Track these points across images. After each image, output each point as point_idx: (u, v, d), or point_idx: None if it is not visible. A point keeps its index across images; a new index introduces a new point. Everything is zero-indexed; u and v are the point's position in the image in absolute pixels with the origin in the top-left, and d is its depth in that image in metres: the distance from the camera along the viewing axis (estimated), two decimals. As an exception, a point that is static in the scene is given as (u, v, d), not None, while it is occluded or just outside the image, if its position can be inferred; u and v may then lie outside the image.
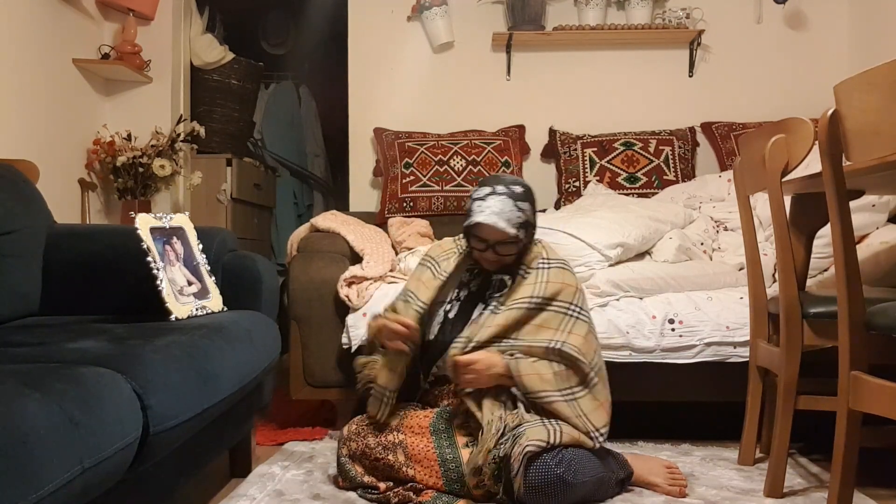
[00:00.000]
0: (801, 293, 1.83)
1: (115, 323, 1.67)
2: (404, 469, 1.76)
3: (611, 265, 2.41)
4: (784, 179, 1.80)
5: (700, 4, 3.37)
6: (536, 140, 3.40)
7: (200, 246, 1.92)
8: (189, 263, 1.86)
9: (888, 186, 1.83)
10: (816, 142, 1.59)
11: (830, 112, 1.51)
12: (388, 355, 1.84)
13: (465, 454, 1.74)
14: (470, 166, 3.17)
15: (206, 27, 3.96)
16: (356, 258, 2.50)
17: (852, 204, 1.56)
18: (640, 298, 2.32)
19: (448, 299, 1.92)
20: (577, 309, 1.83)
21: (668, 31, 3.34)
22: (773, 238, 1.97)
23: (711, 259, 2.63)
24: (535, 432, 1.64)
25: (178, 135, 3.28)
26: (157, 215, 1.83)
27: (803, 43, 3.42)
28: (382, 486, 1.77)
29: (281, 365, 2.18)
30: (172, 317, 1.70)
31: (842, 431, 1.52)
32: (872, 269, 2.24)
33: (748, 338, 2.13)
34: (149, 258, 1.72)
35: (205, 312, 1.81)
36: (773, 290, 2.12)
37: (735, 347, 2.24)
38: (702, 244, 2.64)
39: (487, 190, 1.80)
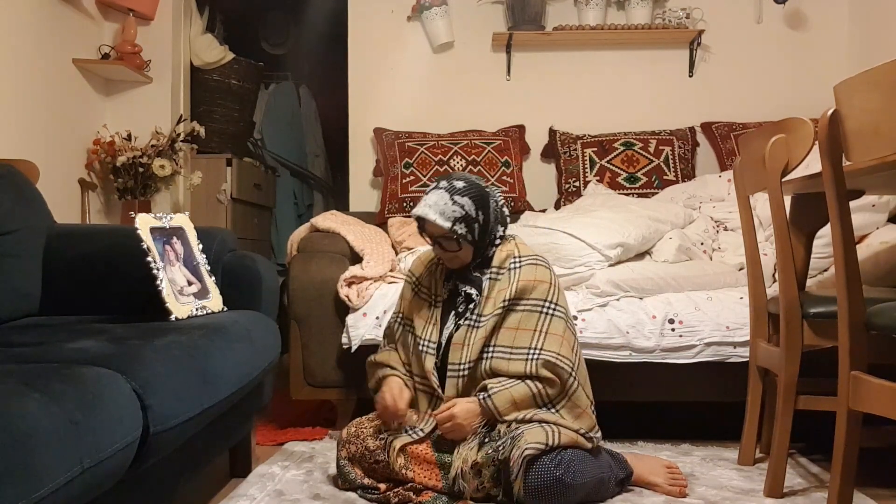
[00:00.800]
0: (801, 293, 1.83)
1: (115, 323, 1.67)
2: (404, 471, 1.76)
3: (611, 265, 2.41)
4: (784, 179, 1.80)
5: (700, 4, 3.37)
6: (536, 140, 3.40)
7: (200, 246, 1.92)
8: (189, 263, 1.86)
9: (888, 186, 1.83)
10: (816, 142, 1.59)
11: (830, 112, 1.51)
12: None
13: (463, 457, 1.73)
14: (470, 166, 3.17)
15: (206, 27, 3.96)
16: (356, 258, 2.50)
17: (852, 204, 1.56)
18: (640, 298, 2.32)
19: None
20: (553, 305, 1.79)
21: (668, 31, 3.34)
22: (773, 238, 1.97)
23: (711, 259, 2.63)
24: (534, 435, 1.64)
25: (178, 135, 3.28)
26: (157, 215, 1.83)
27: (803, 43, 3.42)
28: (382, 486, 1.77)
29: (281, 365, 2.19)
30: (172, 317, 1.70)
31: (842, 431, 1.52)
32: (872, 269, 2.24)
33: (748, 338, 2.13)
34: (149, 258, 1.72)
35: (205, 312, 1.81)
36: (773, 290, 2.12)
37: (735, 347, 2.24)
38: (702, 244, 2.64)
39: (432, 185, 1.82)
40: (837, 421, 1.54)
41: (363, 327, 2.31)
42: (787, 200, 1.95)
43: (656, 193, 3.09)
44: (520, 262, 1.82)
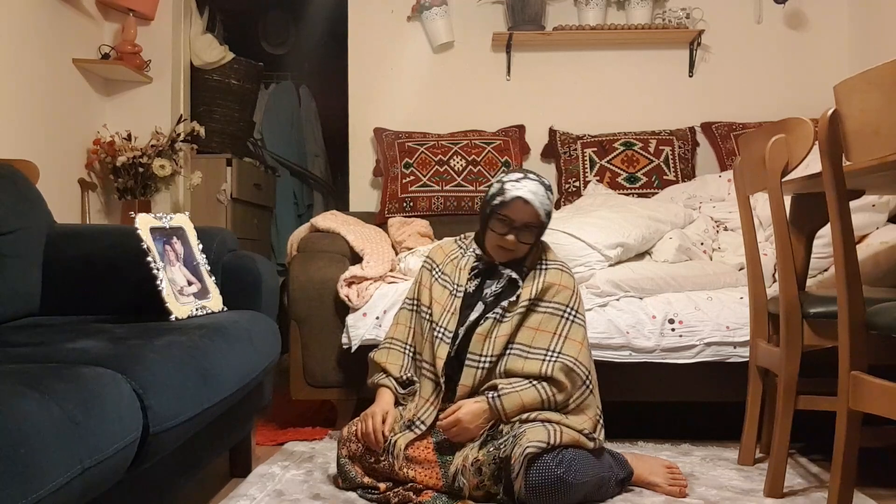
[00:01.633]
0: (801, 293, 1.83)
1: (115, 323, 1.67)
2: (404, 470, 1.76)
3: (611, 265, 2.41)
4: (784, 179, 1.80)
5: (700, 4, 3.37)
6: (536, 140, 3.40)
7: (200, 246, 1.92)
8: (189, 263, 1.86)
9: (888, 186, 1.83)
10: (816, 142, 1.59)
11: (830, 112, 1.51)
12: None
13: (464, 455, 1.74)
14: (470, 166, 3.17)
15: (206, 27, 3.96)
16: (356, 258, 2.50)
17: (852, 204, 1.56)
18: (640, 298, 2.32)
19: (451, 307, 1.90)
20: (574, 312, 1.83)
21: (668, 31, 3.34)
22: (773, 238, 1.97)
23: (711, 259, 2.63)
24: (535, 433, 1.64)
25: (178, 135, 3.28)
26: (157, 215, 1.83)
27: (803, 43, 3.42)
28: (382, 485, 1.77)
29: (281, 365, 2.19)
30: (172, 317, 1.70)
31: (842, 431, 1.52)
32: (872, 269, 2.24)
33: (748, 338, 2.13)
34: (149, 258, 1.72)
35: (205, 312, 1.81)
36: (773, 290, 2.12)
37: (735, 347, 2.23)
38: (702, 244, 2.64)
39: (520, 174, 1.83)
40: (837, 421, 1.54)
41: (363, 327, 2.31)
42: (787, 200, 1.95)
43: (656, 193, 3.09)
44: (546, 265, 1.87)
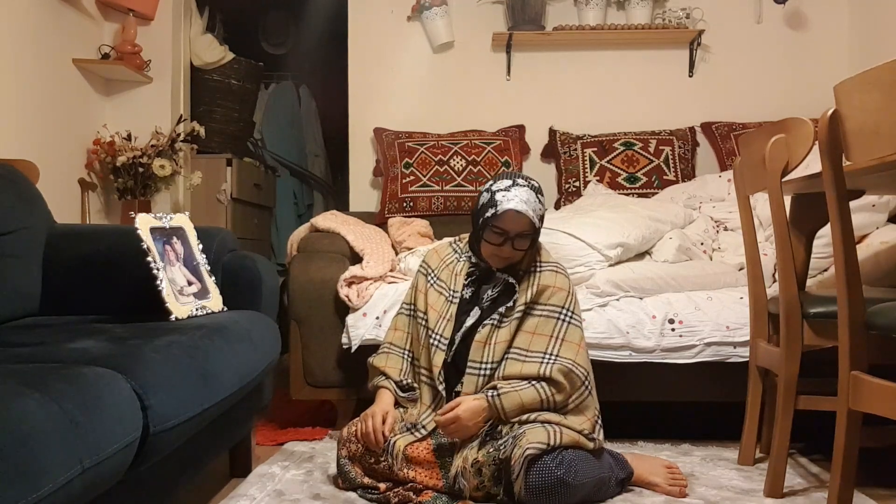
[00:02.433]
0: (801, 293, 1.83)
1: (115, 323, 1.67)
2: (404, 470, 1.76)
3: (611, 265, 2.40)
4: (784, 179, 1.80)
5: (700, 4, 3.37)
6: (536, 140, 3.40)
7: (200, 246, 1.92)
8: (189, 263, 1.86)
9: (888, 186, 1.83)
10: (816, 142, 1.59)
11: (830, 112, 1.51)
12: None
13: (464, 456, 1.73)
14: (470, 166, 3.17)
15: (206, 27, 3.96)
16: (356, 258, 2.50)
17: (852, 204, 1.56)
18: (640, 298, 2.32)
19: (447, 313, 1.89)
20: (570, 313, 1.82)
21: (668, 31, 3.34)
22: (773, 238, 1.97)
23: (711, 259, 2.63)
24: (535, 434, 1.64)
25: (178, 135, 3.28)
26: (157, 215, 1.82)
27: (803, 43, 3.42)
28: (382, 486, 1.77)
29: (281, 365, 2.19)
30: (172, 317, 1.70)
31: (842, 431, 1.52)
32: (872, 269, 2.24)
33: (748, 338, 2.13)
34: (149, 258, 1.72)
35: (205, 312, 1.80)
36: (773, 290, 2.12)
37: (735, 347, 2.23)
38: (702, 244, 2.64)
39: (508, 182, 1.81)
40: (837, 421, 1.54)
41: (363, 327, 2.31)
42: (787, 200, 1.95)
43: (656, 193, 3.09)
44: (541, 267, 1.86)
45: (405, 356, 1.93)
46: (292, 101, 4.94)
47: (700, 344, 2.24)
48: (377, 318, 2.31)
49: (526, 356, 1.78)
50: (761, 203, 2.53)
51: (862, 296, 1.51)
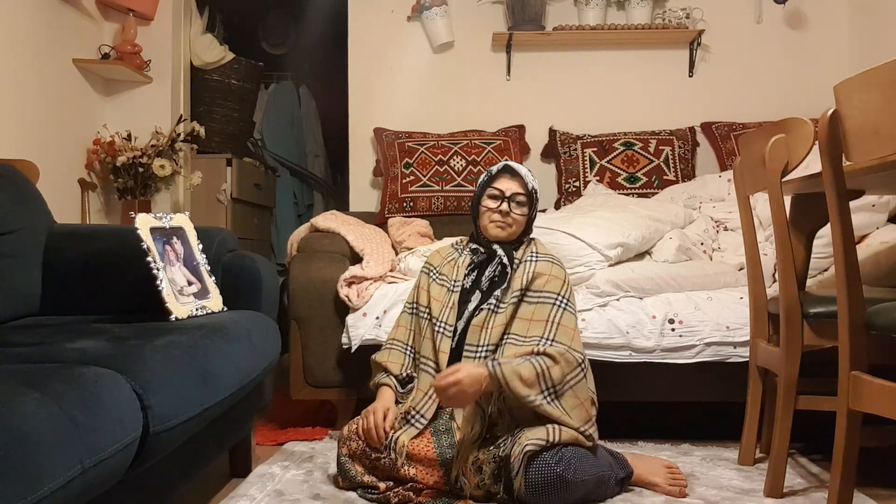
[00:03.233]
0: (801, 293, 1.83)
1: (115, 323, 1.67)
2: (405, 468, 1.76)
3: (611, 265, 2.40)
4: (784, 179, 1.80)
5: (700, 4, 3.37)
6: (536, 140, 3.40)
7: (200, 246, 1.92)
8: (189, 263, 1.86)
9: (888, 186, 1.83)
10: (816, 142, 1.59)
11: (830, 112, 1.51)
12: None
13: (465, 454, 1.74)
14: (470, 166, 3.17)
15: (206, 27, 3.97)
16: (356, 258, 2.50)
17: (852, 204, 1.56)
18: (640, 298, 2.32)
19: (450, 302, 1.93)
20: (565, 301, 1.84)
21: (668, 31, 3.34)
22: (773, 238, 1.97)
23: (711, 259, 2.63)
24: (535, 432, 1.64)
25: (178, 135, 3.28)
26: (157, 215, 1.83)
27: (803, 43, 3.42)
28: (382, 485, 1.77)
29: (281, 365, 2.18)
30: (172, 317, 1.70)
31: (842, 431, 1.52)
32: (872, 269, 2.24)
33: (748, 338, 2.13)
34: (149, 258, 1.72)
35: (205, 312, 1.81)
36: (773, 290, 2.12)
37: (735, 347, 2.23)
38: (702, 244, 2.64)
39: (503, 161, 2.01)
40: (837, 421, 1.54)
41: (363, 327, 2.31)
42: (787, 200, 1.95)
43: (656, 193, 3.09)
44: (537, 256, 1.91)
45: (407, 352, 1.96)
46: (292, 101, 4.94)
47: (700, 344, 2.24)
48: (377, 318, 2.31)
49: (524, 342, 1.80)
50: (761, 203, 2.53)
51: (862, 296, 1.51)
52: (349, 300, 2.33)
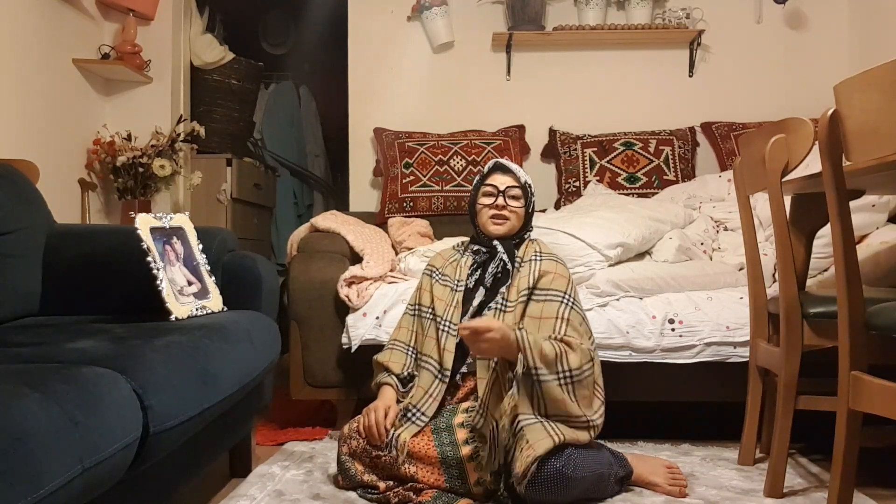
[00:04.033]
0: (801, 293, 1.83)
1: (115, 323, 1.67)
2: (405, 466, 1.76)
3: (611, 265, 2.41)
4: (784, 179, 1.80)
5: (700, 4, 3.37)
6: (536, 140, 3.40)
7: (200, 246, 1.92)
8: (189, 263, 1.86)
9: (888, 186, 1.83)
10: (816, 142, 1.59)
11: (830, 112, 1.51)
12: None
13: (465, 451, 1.74)
14: (470, 166, 3.17)
15: (206, 27, 3.96)
16: (356, 258, 2.50)
17: (852, 204, 1.56)
18: (640, 298, 2.32)
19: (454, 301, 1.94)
20: (571, 299, 1.87)
21: (668, 31, 3.34)
22: (773, 238, 1.97)
23: (711, 259, 2.63)
24: (541, 445, 1.62)
25: (178, 135, 3.28)
26: (157, 215, 1.83)
27: (803, 43, 3.42)
28: (382, 485, 1.77)
29: (281, 365, 2.19)
30: (172, 317, 1.70)
31: (842, 431, 1.52)
32: (872, 269, 2.24)
33: (748, 338, 2.13)
34: (149, 258, 1.72)
35: (205, 312, 1.81)
36: (773, 290, 2.12)
37: (735, 347, 2.23)
38: (702, 244, 2.64)
39: (494, 160, 2.03)
40: (837, 421, 1.54)
41: (363, 327, 2.31)
42: (787, 200, 1.95)
43: (656, 193, 3.09)
44: (541, 256, 1.93)
45: (409, 352, 1.97)
46: (292, 101, 4.94)
47: (700, 344, 2.24)
48: (377, 318, 2.31)
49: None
50: (761, 203, 2.53)
51: (862, 296, 1.51)
52: (349, 300, 2.33)
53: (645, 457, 1.93)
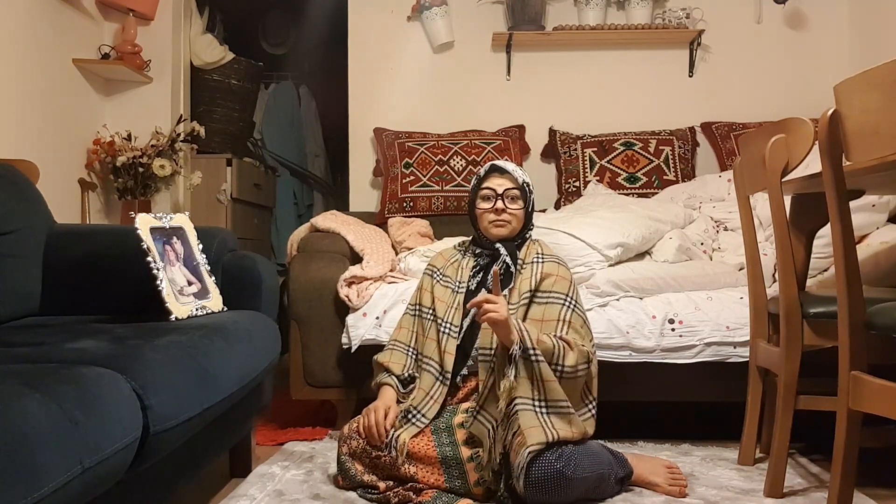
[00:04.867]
0: (801, 293, 1.83)
1: (115, 323, 1.66)
2: (405, 466, 1.76)
3: (611, 265, 2.40)
4: (784, 179, 1.80)
5: (700, 4, 3.37)
6: (536, 140, 3.40)
7: (200, 246, 1.92)
8: (189, 263, 1.86)
9: (888, 186, 1.83)
10: (816, 142, 1.59)
11: (830, 112, 1.51)
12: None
13: (465, 452, 1.74)
14: (470, 166, 3.17)
15: (206, 27, 3.96)
16: (356, 258, 2.50)
17: (852, 204, 1.56)
18: (640, 298, 2.32)
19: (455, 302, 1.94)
20: (573, 301, 1.88)
21: (668, 31, 3.34)
22: (773, 238, 1.97)
23: (711, 259, 2.63)
24: (533, 435, 1.62)
25: (178, 135, 3.28)
26: (157, 215, 1.83)
27: (803, 43, 3.42)
28: (382, 485, 1.77)
29: (281, 365, 2.19)
30: (172, 317, 1.70)
31: (842, 431, 1.52)
32: (872, 269, 2.24)
33: (748, 338, 2.13)
34: (149, 258, 1.72)
35: (205, 312, 1.80)
36: (773, 290, 2.12)
37: (735, 347, 2.23)
38: (702, 244, 2.64)
39: (490, 162, 2.01)
40: (837, 421, 1.54)
41: (363, 327, 2.31)
42: (787, 200, 1.95)
43: (656, 193, 3.09)
44: (543, 258, 1.93)
45: (409, 353, 1.97)
46: (292, 101, 4.94)
47: (700, 344, 2.24)
48: (377, 318, 2.31)
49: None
50: (761, 203, 2.53)
51: (862, 296, 1.51)
52: (349, 300, 2.33)
53: (645, 457, 1.93)
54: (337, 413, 2.49)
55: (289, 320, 2.47)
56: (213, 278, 1.92)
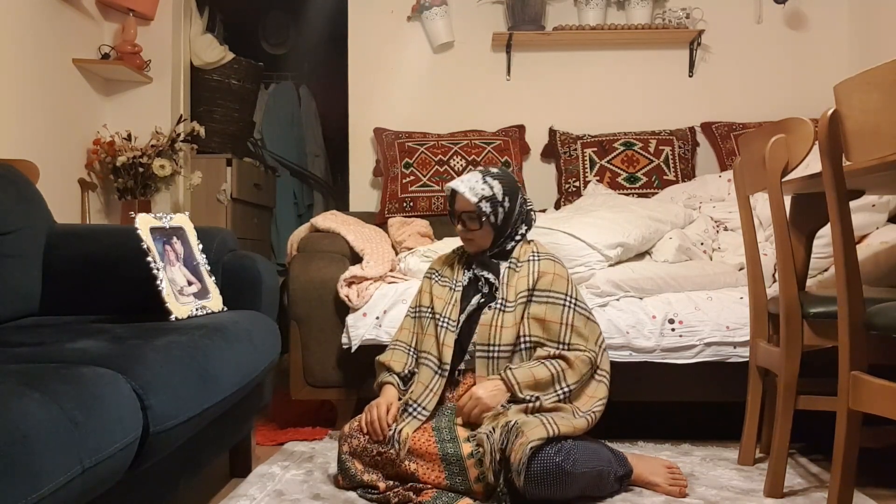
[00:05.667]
0: (801, 293, 1.83)
1: (115, 323, 1.67)
2: (406, 463, 1.77)
3: (611, 265, 2.40)
4: (784, 179, 1.80)
5: (700, 4, 3.37)
6: (536, 140, 3.40)
7: (200, 246, 1.92)
8: (189, 263, 1.86)
9: (888, 186, 1.83)
10: (816, 142, 1.59)
11: (830, 112, 1.51)
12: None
13: (466, 449, 1.74)
14: (470, 166, 3.16)
15: (206, 27, 3.96)
16: (356, 258, 2.50)
17: (852, 204, 1.56)
18: (640, 298, 2.32)
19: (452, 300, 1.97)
20: (573, 300, 1.89)
21: (668, 31, 3.34)
22: (773, 238, 1.97)
23: (711, 259, 2.63)
24: (535, 432, 1.64)
25: (178, 135, 3.28)
26: (157, 215, 1.83)
27: (803, 43, 3.42)
28: (382, 485, 1.77)
29: (281, 365, 2.19)
30: (172, 317, 1.70)
31: (842, 431, 1.52)
32: (872, 269, 2.24)
33: (748, 338, 2.13)
34: (149, 258, 1.72)
35: (205, 312, 1.81)
36: (773, 290, 2.12)
37: (735, 347, 2.23)
38: (702, 244, 2.64)
39: (467, 173, 1.98)
40: (837, 421, 1.54)
41: (363, 327, 2.31)
42: (787, 200, 1.95)
43: (656, 193, 3.09)
44: (539, 256, 1.95)
45: (410, 352, 1.99)
46: (292, 101, 4.94)
47: (700, 344, 2.24)
48: (377, 318, 2.31)
49: (546, 343, 1.86)
50: (761, 203, 2.53)
51: (862, 296, 1.51)
52: (349, 300, 2.33)
53: (645, 457, 1.93)
54: (337, 413, 2.49)
55: (289, 320, 2.47)
56: (213, 278, 1.92)
